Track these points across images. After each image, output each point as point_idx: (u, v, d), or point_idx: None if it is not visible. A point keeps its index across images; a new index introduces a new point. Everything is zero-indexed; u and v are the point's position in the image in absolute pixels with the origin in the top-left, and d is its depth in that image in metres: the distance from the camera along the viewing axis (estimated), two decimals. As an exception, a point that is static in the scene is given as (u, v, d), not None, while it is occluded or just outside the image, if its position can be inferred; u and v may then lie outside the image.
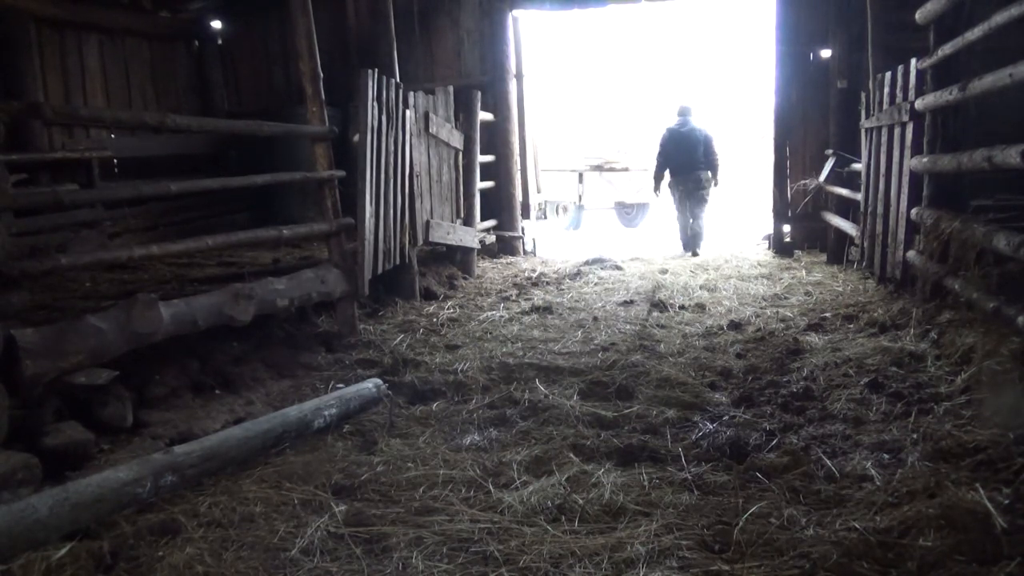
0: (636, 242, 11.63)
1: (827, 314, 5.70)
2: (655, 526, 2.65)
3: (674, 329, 5.65)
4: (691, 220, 9.82)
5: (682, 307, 6.34)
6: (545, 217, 14.63)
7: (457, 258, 8.20)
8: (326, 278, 5.29)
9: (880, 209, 6.32)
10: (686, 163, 9.76)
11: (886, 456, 3.15)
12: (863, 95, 7.41)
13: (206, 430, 3.72)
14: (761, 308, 6.22)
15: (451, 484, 3.09)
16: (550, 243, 11.36)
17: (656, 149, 9.99)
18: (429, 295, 7.00)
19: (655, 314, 6.11)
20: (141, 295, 3.91)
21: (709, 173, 9.83)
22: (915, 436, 3.29)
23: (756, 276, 7.72)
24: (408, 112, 6.56)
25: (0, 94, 7.43)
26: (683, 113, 9.95)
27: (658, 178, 10.00)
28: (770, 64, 9.20)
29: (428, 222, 7.16)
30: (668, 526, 2.66)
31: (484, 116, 8.93)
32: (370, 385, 4.17)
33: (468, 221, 8.36)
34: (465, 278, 7.98)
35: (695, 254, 9.57)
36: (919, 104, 5.32)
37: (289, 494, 3.03)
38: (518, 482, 3.09)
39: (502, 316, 6.17)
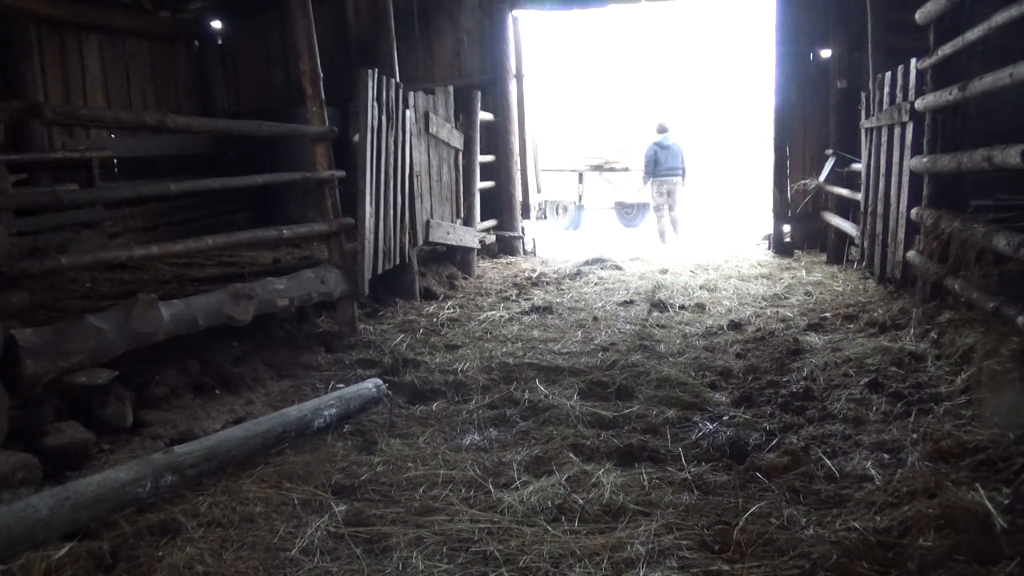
0: (636, 242, 11.63)
1: (827, 314, 5.71)
2: (655, 526, 2.66)
3: (674, 329, 5.65)
4: (671, 213, 11.81)
5: (682, 307, 6.34)
6: (545, 217, 14.63)
7: (457, 258, 8.20)
8: (326, 278, 5.29)
9: (880, 209, 6.32)
10: (668, 170, 11.82)
11: (886, 456, 3.15)
12: (863, 95, 7.41)
13: (206, 430, 3.73)
14: (761, 308, 6.22)
15: (451, 484, 3.09)
16: (550, 243, 11.37)
17: (644, 159, 12.08)
18: (429, 295, 7.00)
19: (655, 314, 6.11)
20: (141, 295, 3.91)
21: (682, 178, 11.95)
22: (915, 436, 3.29)
23: (756, 276, 7.72)
24: (408, 112, 6.56)
25: (0, 94, 7.43)
26: (662, 130, 11.95)
27: (646, 181, 12.25)
28: (770, 64, 9.20)
29: (428, 222, 7.16)
30: (668, 526, 2.66)
31: (484, 116, 8.93)
32: (370, 385, 4.17)
33: (468, 221, 8.36)
34: (465, 278, 7.98)
35: (664, 241, 11.57)
36: (919, 104, 5.32)
37: (289, 494, 3.03)
38: (518, 482, 3.09)
39: (502, 316, 6.17)
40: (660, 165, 11.78)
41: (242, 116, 9.82)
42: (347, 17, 9.86)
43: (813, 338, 5.10)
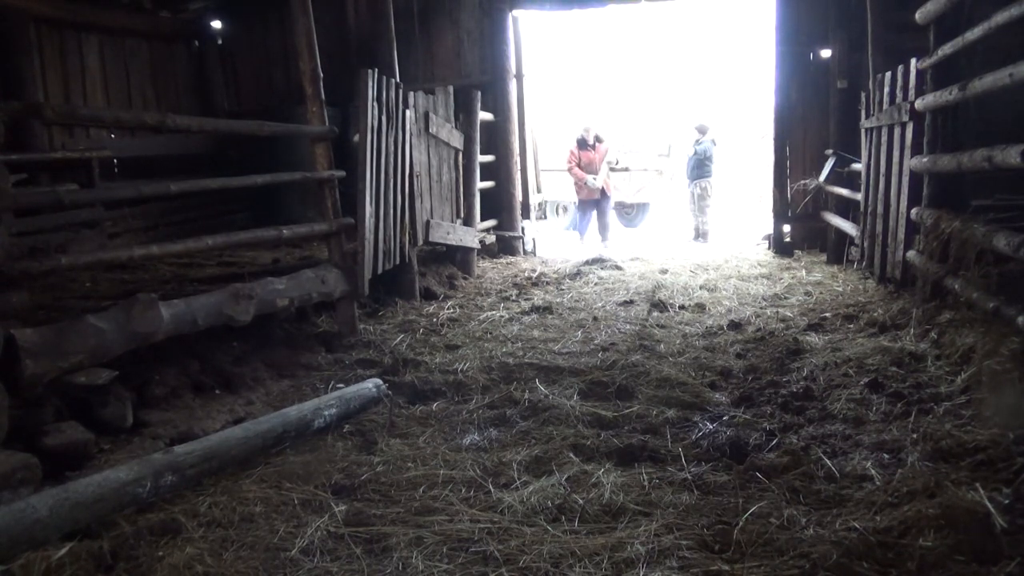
0: (636, 242, 11.63)
1: (827, 314, 5.71)
2: (655, 526, 2.66)
3: (674, 329, 5.65)
4: (701, 215, 11.68)
5: (682, 307, 6.35)
6: (545, 217, 14.61)
7: (457, 258, 8.20)
8: (326, 278, 5.29)
9: (880, 209, 6.32)
10: (701, 173, 11.81)
11: (886, 456, 3.15)
12: (863, 95, 7.41)
13: (206, 430, 3.73)
14: (761, 308, 6.22)
15: (451, 484, 3.09)
16: (550, 243, 11.36)
17: (710, 159, 11.89)
18: (429, 295, 7.00)
19: (655, 314, 6.11)
20: (141, 295, 3.91)
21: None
22: (915, 436, 3.29)
23: (756, 276, 7.72)
24: (408, 112, 6.56)
25: (0, 94, 7.43)
26: (704, 130, 11.89)
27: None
28: (770, 64, 9.21)
29: (428, 222, 7.16)
30: (668, 526, 2.66)
31: (484, 116, 8.93)
32: (370, 385, 4.17)
33: (468, 221, 8.36)
34: (465, 278, 7.98)
35: (700, 238, 11.57)
36: (919, 104, 5.32)
37: (289, 494, 3.03)
38: (518, 482, 3.09)
39: (502, 316, 6.17)
40: (692, 167, 11.94)
41: (242, 116, 9.83)
42: (347, 17, 9.86)
43: (813, 338, 5.10)
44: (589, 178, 11.10)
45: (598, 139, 11.40)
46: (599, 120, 12.35)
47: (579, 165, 11.22)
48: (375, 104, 5.86)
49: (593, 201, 11.27)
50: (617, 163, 13.67)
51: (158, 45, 9.76)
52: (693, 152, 11.91)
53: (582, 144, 11.27)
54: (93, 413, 3.62)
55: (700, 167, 11.79)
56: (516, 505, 2.87)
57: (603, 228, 11.38)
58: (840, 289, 6.69)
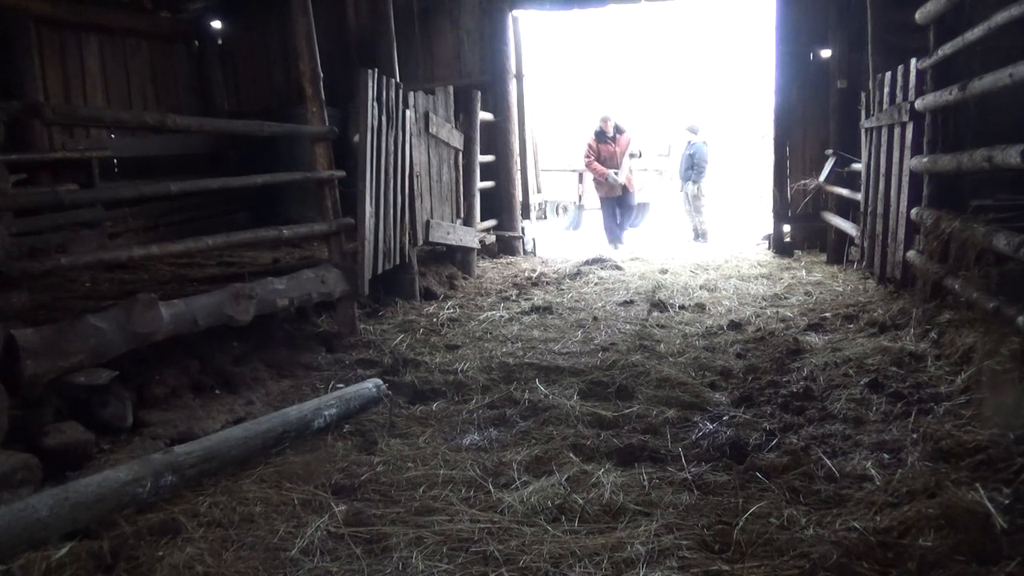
0: (636, 242, 11.62)
1: (827, 314, 5.71)
2: (655, 526, 2.66)
3: (674, 329, 5.65)
4: (697, 215, 11.53)
5: (682, 307, 6.34)
6: (545, 217, 14.61)
7: (457, 258, 8.20)
8: (326, 278, 5.29)
9: (880, 209, 6.32)
10: (694, 172, 11.65)
11: (886, 456, 3.15)
12: (863, 95, 7.41)
13: (206, 430, 3.73)
14: (761, 308, 6.22)
15: (451, 484, 3.09)
16: (550, 243, 11.36)
17: (703, 161, 11.66)
18: (429, 295, 7.00)
19: (655, 314, 6.11)
20: (141, 295, 3.91)
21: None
22: (915, 436, 3.29)
23: (756, 276, 7.72)
24: (408, 112, 6.56)
25: (0, 94, 7.43)
26: (695, 131, 11.71)
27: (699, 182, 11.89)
28: (770, 64, 9.21)
29: (428, 222, 7.16)
30: (668, 526, 2.66)
31: (484, 116, 8.93)
32: (370, 385, 4.17)
33: (468, 221, 8.36)
34: (465, 278, 7.98)
35: (700, 239, 11.36)
36: (919, 104, 5.32)
37: (289, 494, 3.03)
38: (518, 482, 3.09)
39: (502, 316, 6.17)
40: (685, 166, 11.75)
41: (242, 116, 9.82)
42: (347, 17, 9.87)
43: (813, 338, 5.10)
44: (611, 173, 10.56)
45: (618, 130, 10.81)
46: (618, 109, 11.61)
47: (598, 159, 10.65)
48: (375, 104, 5.86)
49: (613, 198, 10.76)
50: (640, 155, 12.70)
51: (158, 45, 9.75)
52: (692, 152, 11.80)
53: (600, 136, 10.72)
54: (93, 413, 3.62)
55: (693, 168, 11.67)
56: (516, 505, 2.87)
57: (621, 228, 11.01)
58: (840, 289, 6.69)
